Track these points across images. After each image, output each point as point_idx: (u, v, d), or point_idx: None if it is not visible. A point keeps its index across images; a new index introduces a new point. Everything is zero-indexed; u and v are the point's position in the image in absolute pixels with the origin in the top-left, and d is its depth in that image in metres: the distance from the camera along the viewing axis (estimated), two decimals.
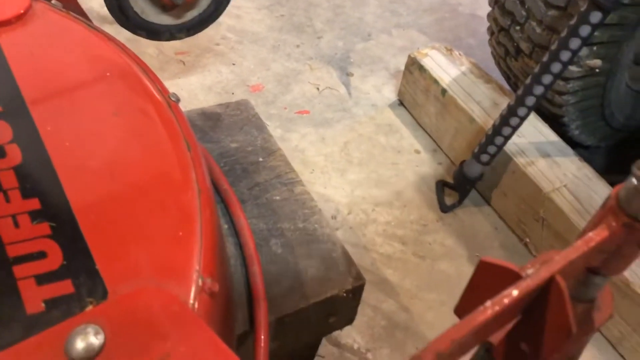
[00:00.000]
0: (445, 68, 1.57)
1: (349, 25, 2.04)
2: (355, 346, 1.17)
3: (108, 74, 0.74)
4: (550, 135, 1.41)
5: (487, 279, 0.47)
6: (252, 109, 1.10)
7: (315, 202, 0.96)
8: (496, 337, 0.52)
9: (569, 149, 1.39)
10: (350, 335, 1.19)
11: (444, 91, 1.52)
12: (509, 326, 0.50)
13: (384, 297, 1.26)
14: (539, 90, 1.17)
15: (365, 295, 1.28)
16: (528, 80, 1.18)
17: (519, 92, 1.21)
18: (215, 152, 0.99)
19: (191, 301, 0.55)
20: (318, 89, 1.75)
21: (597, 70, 1.29)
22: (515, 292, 0.42)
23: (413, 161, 1.57)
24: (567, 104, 1.40)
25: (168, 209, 0.61)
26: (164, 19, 1.18)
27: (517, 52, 1.42)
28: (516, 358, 0.50)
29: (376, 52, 1.93)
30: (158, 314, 0.53)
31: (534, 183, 1.31)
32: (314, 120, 1.64)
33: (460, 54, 1.64)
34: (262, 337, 0.73)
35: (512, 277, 0.45)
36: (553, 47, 1.12)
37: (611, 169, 1.59)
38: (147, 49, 1.73)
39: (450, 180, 1.48)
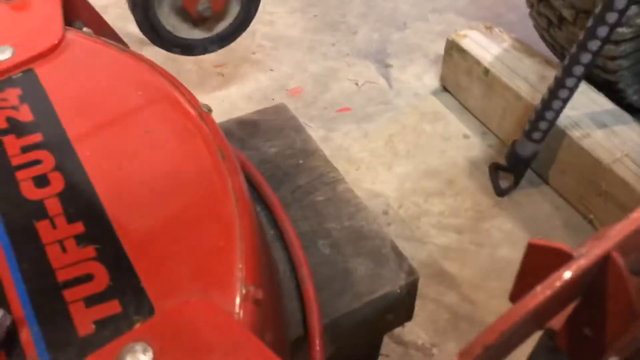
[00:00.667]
0: (485, 47, 1.52)
1: (383, 16, 2.00)
2: (420, 342, 1.14)
3: (140, 93, 0.75)
4: (606, 104, 1.33)
5: (538, 263, 0.44)
6: (288, 111, 1.09)
7: (360, 198, 0.94)
8: (558, 323, 0.48)
9: (627, 116, 1.31)
10: (414, 331, 1.16)
11: (486, 71, 1.47)
12: (569, 310, 0.47)
13: (444, 290, 1.23)
14: (586, 57, 1.11)
15: (425, 289, 1.25)
16: (574, 49, 1.12)
17: (565, 62, 1.15)
18: (255, 158, 0.99)
19: (236, 311, 0.55)
20: (357, 84, 1.72)
21: None
22: (567, 274, 0.39)
23: (462, 147, 1.52)
24: (621, 69, 1.32)
25: (206, 220, 0.61)
26: (196, 34, 1.19)
27: (560, 20, 1.35)
28: (580, 344, 0.46)
29: (414, 40, 1.89)
30: (203, 326, 0.53)
31: (592, 156, 1.23)
32: (356, 117, 1.62)
33: (500, 31, 1.58)
34: (317, 341, 0.72)
35: (564, 258, 0.41)
36: (597, 9, 1.05)
37: None
38: (185, 65, 1.76)
39: (503, 162, 1.42)
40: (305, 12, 2.01)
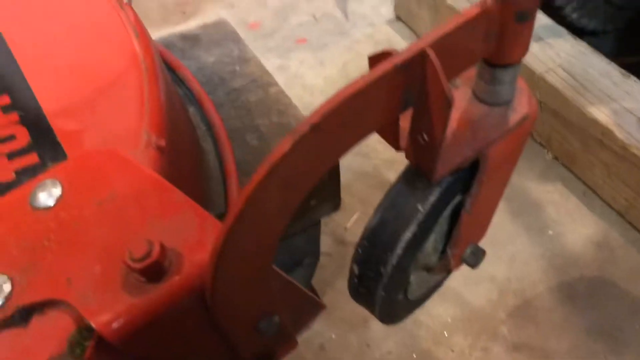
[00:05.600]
0: None
1: None
2: None
3: None
4: (542, 19, 1.38)
5: None
6: (229, 26, 1.14)
7: (290, 99, 1.01)
8: (404, 141, 0.55)
9: (562, 30, 1.36)
10: (356, 233, 1.24)
11: None
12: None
13: None
14: None
15: (369, 195, 1.32)
16: None
17: None
18: (193, 67, 1.05)
19: (139, 155, 0.62)
20: (315, 17, 1.77)
21: None
22: (385, 65, 0.45)
23: None
24: None
25: (118, 85, 0.68)
26: None
27: None
28: (420, 152, 0.53)
29: None
30: (106, 167, 0.60)
31: (527, 66, 1.29)
32: (312, 47, 1.67)
33: None
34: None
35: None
36: None
37: (624, 52, 1.55)
38: (148, 4, 1.81)
39: None
40: None
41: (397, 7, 1.72)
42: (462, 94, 0.59)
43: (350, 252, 1.21)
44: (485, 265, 0.79)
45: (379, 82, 0.45)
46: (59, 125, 0.65)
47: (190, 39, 1.11)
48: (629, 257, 1.13)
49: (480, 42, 0.50)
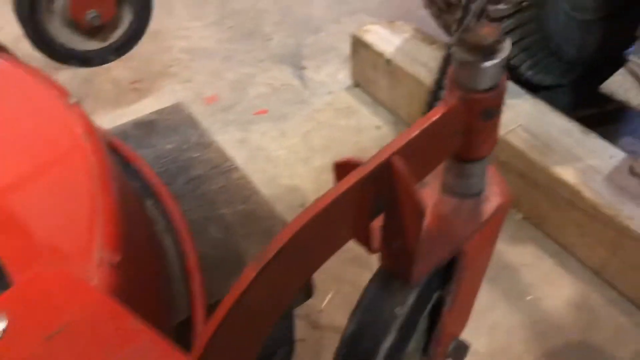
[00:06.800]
0: (388, 39, 1.58)
1: (297, 22, 2.06)
2: (336, 324, 1.17)
3: (12, 90, 0.77)
4: None
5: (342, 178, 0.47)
6: (185, 110, 1.12)
7: (254, 184, 0.97)
8: (377, 245, 0.52)
9: (520, 90, 1.38)
10: (330, 314, 1.19)
11: (388, 61, 1.53)
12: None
13: (361, 271, 1.26)
14: None
15: (342, 271, 1.28)
16: (454, 27, 1.19)
17: (448, 40, 1.21)
18: (150, 156, 1.00)
19: (92, 276, 0.57)
20: (273, 87, 1.76)
21: (525, 4, 1.28)
22: (351, 178, 0.42)
23: (375, 137, 1.57)
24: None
25: (66, 195, 0.63)
26: (91, 45, 1.21)
27: (448, 5, 1.42)
28: (395, 258, 0.50)
29: (327, 43, 1.95)
30: (56, 292, 0.54)
31: None
32: (272, 117, 1.65)
33: (402, 24, 1.65)
34: (199, 310, 0.74)
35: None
36: None
37: (580, 105, 1.58)
38: (102, 85, 1.77)
39: None
40: (221, 25, 2.05)
41: (354, 74, 1.74)
42: (431, 190, 0.57)
43: (326, 335, 1.16)
44: (465, 337, 0.75)
45: (346, 197, 0.42)
46: (3, 247, 0.60)
47: (145, 126, 1.08)
48: (610, 318, 1.11)
49: (447, 141, 0.48)
